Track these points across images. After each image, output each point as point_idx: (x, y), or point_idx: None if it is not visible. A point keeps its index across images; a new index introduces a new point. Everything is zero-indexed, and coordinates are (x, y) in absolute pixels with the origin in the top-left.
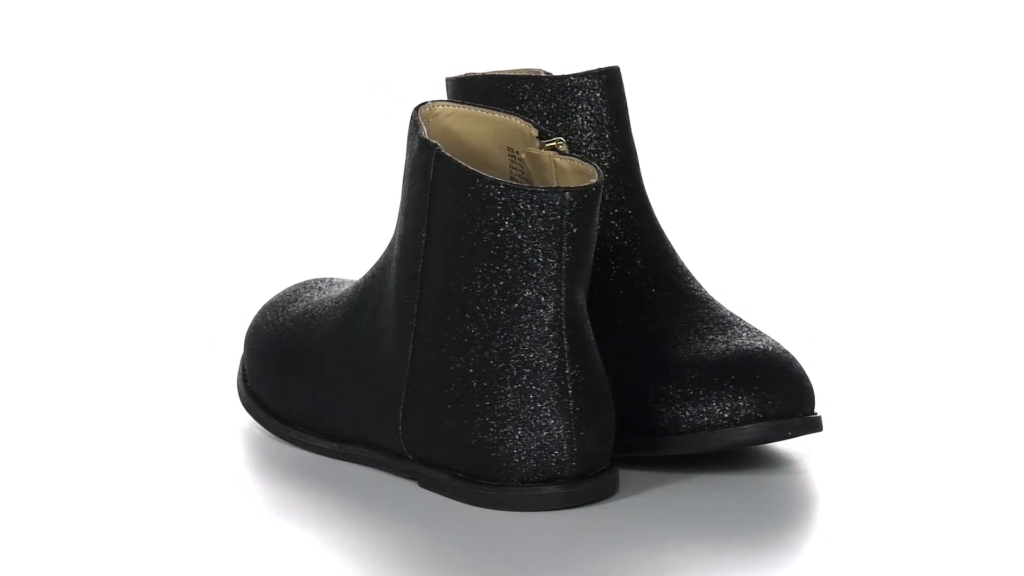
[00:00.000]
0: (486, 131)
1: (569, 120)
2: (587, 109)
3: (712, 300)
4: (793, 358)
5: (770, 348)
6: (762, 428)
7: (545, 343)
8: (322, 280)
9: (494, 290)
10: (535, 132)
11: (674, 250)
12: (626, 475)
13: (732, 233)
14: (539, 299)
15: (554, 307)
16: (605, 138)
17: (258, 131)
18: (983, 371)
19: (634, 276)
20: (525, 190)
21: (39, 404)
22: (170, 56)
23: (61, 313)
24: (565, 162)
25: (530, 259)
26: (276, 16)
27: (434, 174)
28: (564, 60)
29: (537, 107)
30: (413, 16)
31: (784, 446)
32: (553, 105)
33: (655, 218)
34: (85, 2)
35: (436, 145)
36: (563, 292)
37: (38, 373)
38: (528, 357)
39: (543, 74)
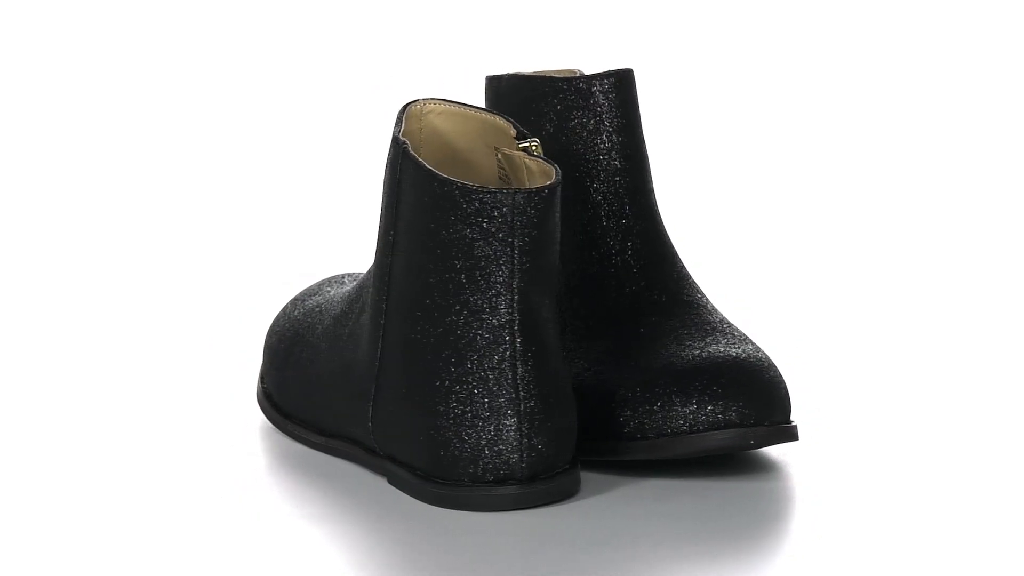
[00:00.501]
0: (474, 130)
1: (579, 121)
2: (596, 111)
3: (705, 306)
4: (769, 366)
5: (744, 355)
6: (727, 436)
7: (497, 345)
8: (349, 275)
9: (449, 290)
10: (513, 132)
11: (675, 253)
12: (591, 478)
13: (737, 235)
14: (491, 301)
15: (506, 309)
16: (614, 141)
17: (283, 133)
18: (975, 382)
19: (628, 280)
20: (477, 190)
21: (58, 401)
22: (194, 65)
23: (88, 312)
24: (533, 163)
25: (482, 260)
26: (296, 20)
27: (400, 172)
28: (590, 61)
29: (551, 107)
30: (437, 14)
31: (765, 454)
32: (560, 107)
33: (658, 221)
34: (83, 3)
35: (404, 142)
36: (516, 294)
37: (61, 372)
38: (479, 358)
39: (578, 74)
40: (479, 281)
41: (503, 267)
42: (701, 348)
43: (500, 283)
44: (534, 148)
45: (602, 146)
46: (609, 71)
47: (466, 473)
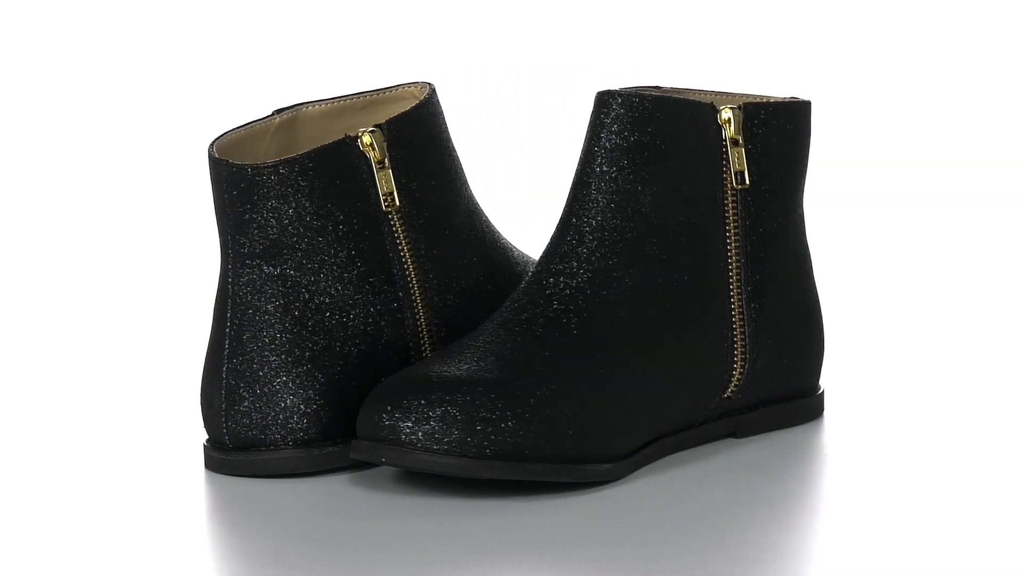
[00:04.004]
0: None
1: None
2: (593, 129)
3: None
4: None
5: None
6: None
7: (219, 320)
8: None
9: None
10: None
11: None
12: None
13: None
14: (223, 270)
15: (226, 279)
16: (595, 160)
17: None
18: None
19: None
20: (211, 159)
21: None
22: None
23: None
24: None
25: (220, 229)
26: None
27: None
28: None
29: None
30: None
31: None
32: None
33: (612, 250)
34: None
35: (274, 115)
36: (229, 265)
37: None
38: (213, 330)
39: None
40: (222, 251)
41: (223, 240)
42: (479, 370)
43: (224, 253)
44: (364, 136)
45: (589, 163)
46: (604, 91)
47: (207, 433)
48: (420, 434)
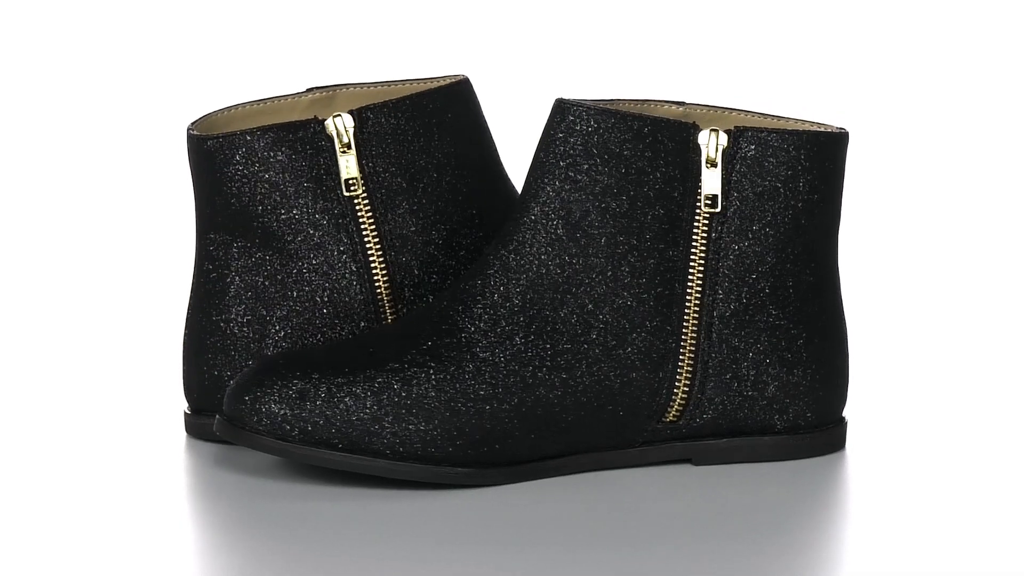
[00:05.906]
0: None
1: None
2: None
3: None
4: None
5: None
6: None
7: (192, 285)
8: None
9: None
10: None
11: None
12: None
13: None
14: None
15: (197, 249)
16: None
17: None
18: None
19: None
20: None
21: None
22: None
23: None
24: None
25: (194, 198)
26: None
27: None
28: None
29: None
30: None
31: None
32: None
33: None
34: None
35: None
36: (197, 235)
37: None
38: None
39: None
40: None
41: (195, 210)
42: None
43: (196, 227)
44: (336, 121)
45: (534, 173)
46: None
47: None
48: (245, 413)
